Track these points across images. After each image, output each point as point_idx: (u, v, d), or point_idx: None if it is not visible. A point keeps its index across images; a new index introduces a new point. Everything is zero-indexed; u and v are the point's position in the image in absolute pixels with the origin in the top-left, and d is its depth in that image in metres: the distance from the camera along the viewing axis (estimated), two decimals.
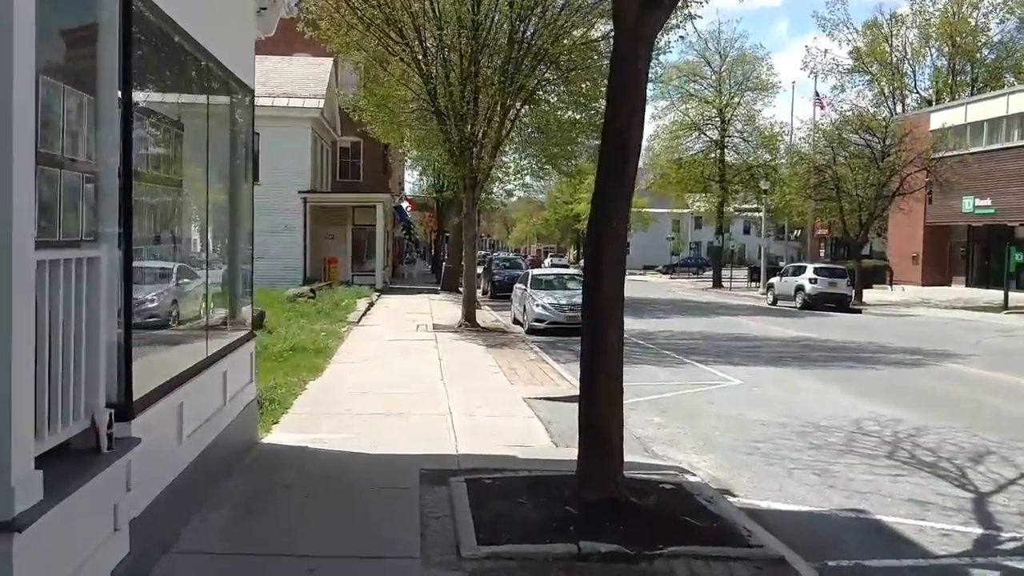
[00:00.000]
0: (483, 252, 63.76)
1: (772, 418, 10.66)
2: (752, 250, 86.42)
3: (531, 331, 20.69)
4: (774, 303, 35.39)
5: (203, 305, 6.24)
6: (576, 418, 9.55)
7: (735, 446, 9.09)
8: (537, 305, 20.93)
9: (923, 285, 44.73)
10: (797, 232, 70.81)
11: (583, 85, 22.24)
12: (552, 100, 23.52)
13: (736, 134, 49.47)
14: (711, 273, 56.90)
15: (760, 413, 10.98)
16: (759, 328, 24.01)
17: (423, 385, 11.75)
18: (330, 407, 9.96)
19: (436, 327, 20.35)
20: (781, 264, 50.66)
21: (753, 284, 51.72)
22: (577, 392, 12.00)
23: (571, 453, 7.76)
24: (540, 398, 10.97)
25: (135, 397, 4.46)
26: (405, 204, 43.54)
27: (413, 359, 14.65)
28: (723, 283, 50.46)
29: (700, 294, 45.39)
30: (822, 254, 60.61)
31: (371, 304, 26.23)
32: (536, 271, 25.54)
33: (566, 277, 23.98)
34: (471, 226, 22.10)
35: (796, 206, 41.40)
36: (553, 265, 59.30)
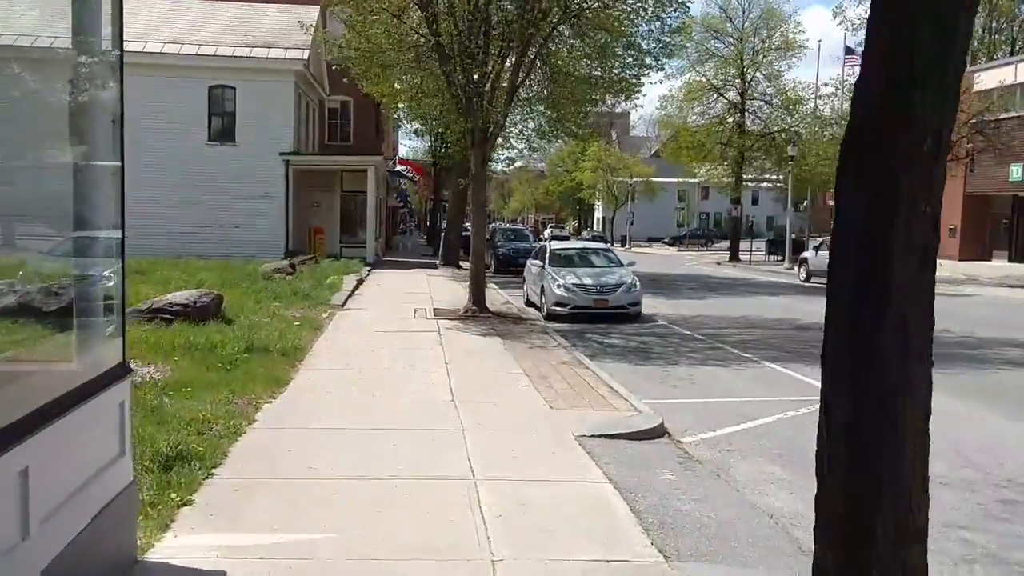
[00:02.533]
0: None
1: (943, 470, 7.24)
2: (762, 222, 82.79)
3: (550, 316, 17.33)
4: (807, 279, 32.04)
5: None
6: (675, 491, 6.08)
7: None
8: (559, 286, 17.46)
9: (960, 260, 41.40)
10: (805, 203, 67.09)
11: (601, 35, 18.35)
12: (564, 53, 19.84)
13: (758, 96, 45.48)
14: (723, 246, 53.18)
15: None
16: (810, 312, 20.55)
17: (426, 414, 8.23)
18: (283, 463, 6.43)
19: (438, 312, 16.86)
20: (793, 236, 46.98)
21: (773, 258, 48.31)
22: (648, 423, 7.87)
23: None
24: (599, 435, 7.52)
25: None
26: (403, 167, 39.64)
27: (411, 364, 11.12)
28: (740, 256, 47.00)
29: (718, 268, 41.99)
30: (832, 226, 56.90)
31: (360, 281, 22.70)
32: (556, 245, 21.91)
33: (590, 252, 20.47)
34: (480, 189, 18.39)
35: (827, 174, 37.63)
36: (554, 237, 55.63)
